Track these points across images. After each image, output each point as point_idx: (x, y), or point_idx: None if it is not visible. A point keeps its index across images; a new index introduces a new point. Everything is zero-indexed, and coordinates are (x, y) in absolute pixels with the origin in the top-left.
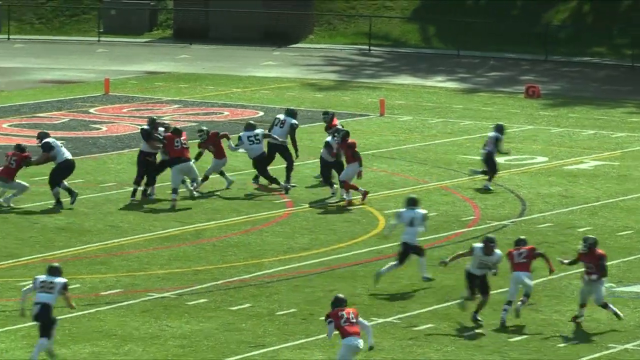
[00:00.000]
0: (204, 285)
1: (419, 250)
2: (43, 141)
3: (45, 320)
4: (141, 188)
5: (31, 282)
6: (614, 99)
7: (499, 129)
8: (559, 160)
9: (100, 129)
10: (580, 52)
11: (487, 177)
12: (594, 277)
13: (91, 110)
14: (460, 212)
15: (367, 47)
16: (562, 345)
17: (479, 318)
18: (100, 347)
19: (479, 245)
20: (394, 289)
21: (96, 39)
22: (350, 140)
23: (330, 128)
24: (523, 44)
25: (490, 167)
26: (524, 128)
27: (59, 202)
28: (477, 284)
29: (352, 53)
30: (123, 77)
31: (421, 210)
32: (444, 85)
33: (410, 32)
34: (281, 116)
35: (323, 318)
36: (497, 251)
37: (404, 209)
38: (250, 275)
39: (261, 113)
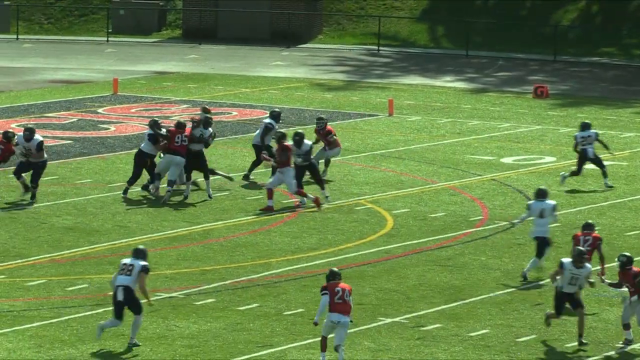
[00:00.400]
0: (211, 285)
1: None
2: (38, 140)
3: (131, 303)
4: (138, 189)
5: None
6: (622, 99)
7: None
8: (567, 160)
9: (109, 129)
10: (589, 52)
11: (603, 172)
12: (633, 298)
13: (100, 110)
14: (469, 212)
15: (376, 47)
16: (570, 345)
17: (584, 341)
18: (108, 346)
19: (567, 259)
20: (401, 289)
21: (105, 39)
22: (285, 143)
23: (323, 133)
24: (532, 44)
25: (599, 164)
26: (532, 128)
27: (27, 188)
28: (567, 302)
29: (361, 53)
30: (132, 77)
31: (550, 202)
32: (452, 85)
33: (419, 32)
34: (267, 119)
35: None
36: (587, 264)
37: (533, 201)
38: (258, 275)
39: None
